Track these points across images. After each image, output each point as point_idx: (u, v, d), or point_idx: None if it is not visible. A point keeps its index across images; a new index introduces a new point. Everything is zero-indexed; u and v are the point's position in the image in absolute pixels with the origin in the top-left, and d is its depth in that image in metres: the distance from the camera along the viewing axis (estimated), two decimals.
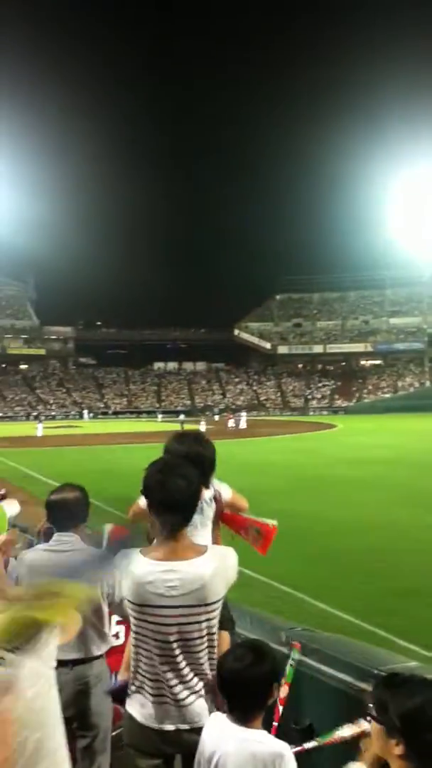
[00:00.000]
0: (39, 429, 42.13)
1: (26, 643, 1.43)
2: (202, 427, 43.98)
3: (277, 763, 1.97)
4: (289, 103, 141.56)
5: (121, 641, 3.34)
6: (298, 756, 2.12)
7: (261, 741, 2.02)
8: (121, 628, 3.44)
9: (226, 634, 2.54)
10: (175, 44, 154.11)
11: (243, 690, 2.08)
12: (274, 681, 2.13)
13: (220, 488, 3.01)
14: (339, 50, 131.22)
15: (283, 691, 2.65)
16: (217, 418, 62.19)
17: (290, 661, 2.77)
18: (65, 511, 3.02)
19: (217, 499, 2.96)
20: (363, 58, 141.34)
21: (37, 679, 1.44)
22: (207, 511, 2.89)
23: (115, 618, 3.37)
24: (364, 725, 2.53)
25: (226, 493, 3.04)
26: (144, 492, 2.33)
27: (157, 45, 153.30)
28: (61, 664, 2.57)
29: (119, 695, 2.50)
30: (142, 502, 2.56)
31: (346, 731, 2.53)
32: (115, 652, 3.11)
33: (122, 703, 2.45)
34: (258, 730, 2.06)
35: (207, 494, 2.84)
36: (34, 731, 1.40)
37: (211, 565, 2.27)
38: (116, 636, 3.38)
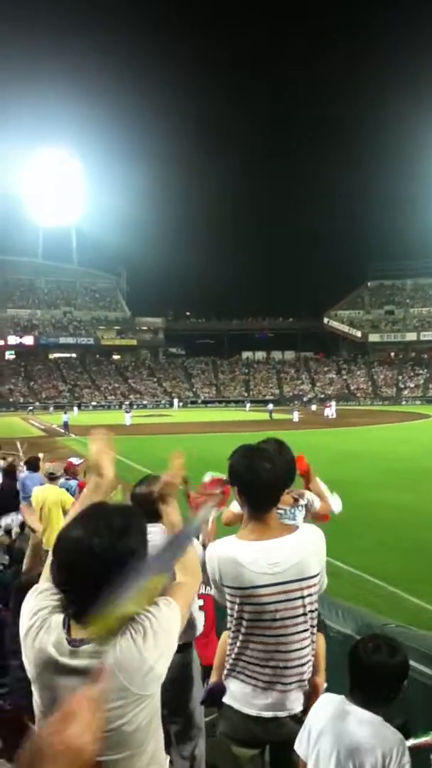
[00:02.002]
0: (127, 419, 42.29)
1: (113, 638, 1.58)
2: (295, 417, 43.46)
3: (396, 751, 1.96)
4: (377, 86, 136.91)
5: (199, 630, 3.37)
6: None
7: (384, 726, 2.01)
8: (201, 615, 3.47)
9: (322, 636, 2.54)
10: (256, 32, 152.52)
11: (381, 679, 2.08)
12: (407, 675, 2.12)
13: (313, 499, 3.17)
14: None
15: None
16: (314, 407, 60.37)
17: None
18: (150, 503, 3.06)
19: (308, 507, 3.11)
20: None
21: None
22: (298, 516, 3.06)
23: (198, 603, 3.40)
24: None
25: (317, 503, 3.20)
26: (231, 477, 2.40)
27: (239, 38, 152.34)
28: None
29: (213, 698, 2.51)
30: (234, 507, 2.74)
31: None
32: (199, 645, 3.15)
33: (217, 705, 2.47)
34: (377, 715, 2.04)
35: (301, 501, 3.01)
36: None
37: (304, 539, 2.35)
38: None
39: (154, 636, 1.63)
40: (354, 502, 12.83)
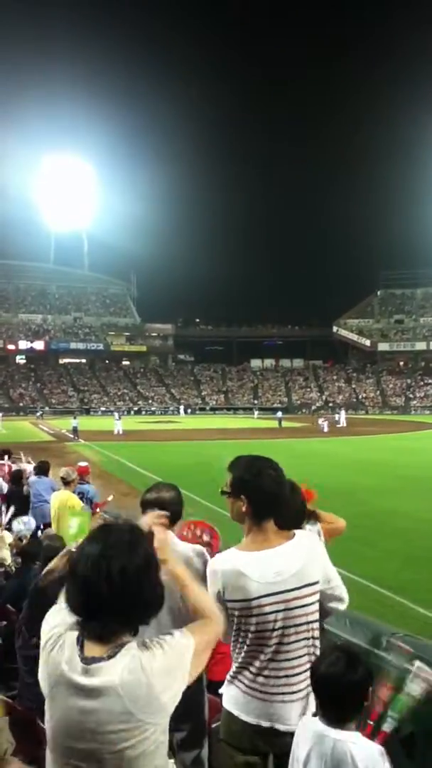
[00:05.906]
0: (117, 426, 38.71)
1: None
2: (325, 427, 41.80)
3: (371, 764, 1.97)
4: (390, 93, 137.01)
5: None
6: (390, 745, 2.09)
7: (355, 742, 2.01)
8: None
9: None
10: (270, 38, 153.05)
11: (339, 694, 2.08)
12: (370, 685, 2.11)
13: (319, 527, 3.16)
14: None
15: (384, 693, 2.57)
16: (336, 417, 56.35)
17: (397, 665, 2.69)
18: (161, 510, 3.06)
19: (320, 533, 3.11)
20: None
21: None
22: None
23: None
24: (426, 670, 2.46)
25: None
26: (236, 486, 2.39)
27: (253, 44, 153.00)
28: None
29: None
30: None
31: (415, 688, 2.45)
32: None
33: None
34: (352, 732, 2.06)
35: (314, 529, 3.02)
36: None
37: (304, 545, 2.39)
38: None
39: (163, 664, 1.60)
40: (365, 510, 12.77)
